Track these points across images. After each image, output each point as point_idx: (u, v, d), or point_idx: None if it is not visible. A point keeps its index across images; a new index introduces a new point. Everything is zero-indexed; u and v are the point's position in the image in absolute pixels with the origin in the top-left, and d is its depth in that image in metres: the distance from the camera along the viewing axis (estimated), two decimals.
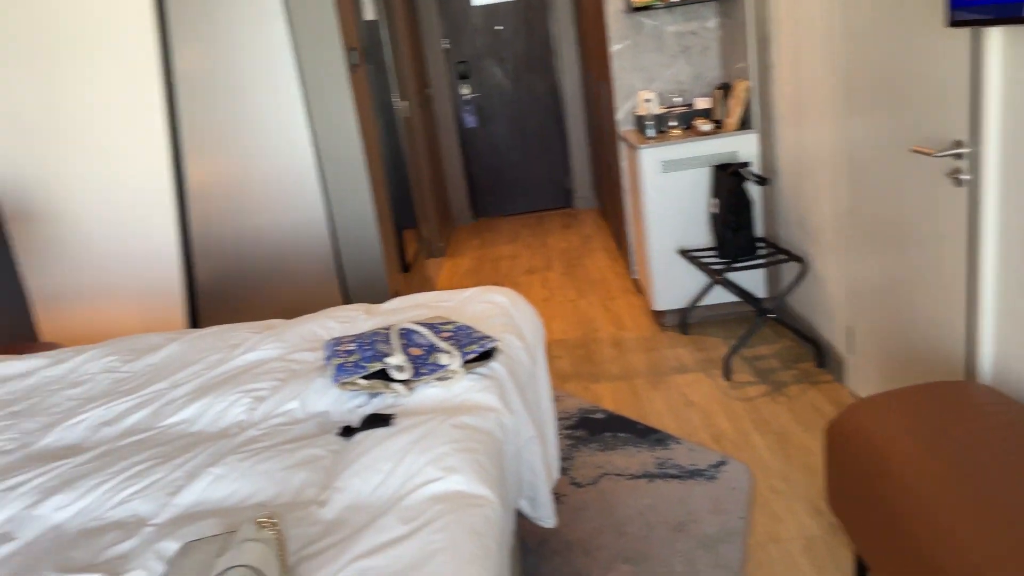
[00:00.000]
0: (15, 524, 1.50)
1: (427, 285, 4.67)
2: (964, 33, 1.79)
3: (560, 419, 2.94)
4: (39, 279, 3.39)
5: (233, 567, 1.12)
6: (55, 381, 2.20)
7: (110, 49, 3.16)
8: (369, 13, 4.25)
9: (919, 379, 2.31)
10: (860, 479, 1.75)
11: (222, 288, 3.51)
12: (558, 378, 3.32)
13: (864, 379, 2.71)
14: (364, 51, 3.86)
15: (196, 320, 3.56)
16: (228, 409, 1.84)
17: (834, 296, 2.89)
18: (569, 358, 3.52)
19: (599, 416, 2.93)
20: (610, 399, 3.07)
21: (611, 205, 4.98)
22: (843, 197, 2.67)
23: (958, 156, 1.89)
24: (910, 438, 1.67)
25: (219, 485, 1.51)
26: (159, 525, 1.42)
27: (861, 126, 2.46)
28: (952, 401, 1.79)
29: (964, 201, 1.90)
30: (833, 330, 2.95)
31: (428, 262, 5.37)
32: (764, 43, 3.25)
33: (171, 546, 1.33)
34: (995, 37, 1.72)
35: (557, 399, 3.11)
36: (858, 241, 2.60)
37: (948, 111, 1.91)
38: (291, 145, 3.34)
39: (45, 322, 3.45)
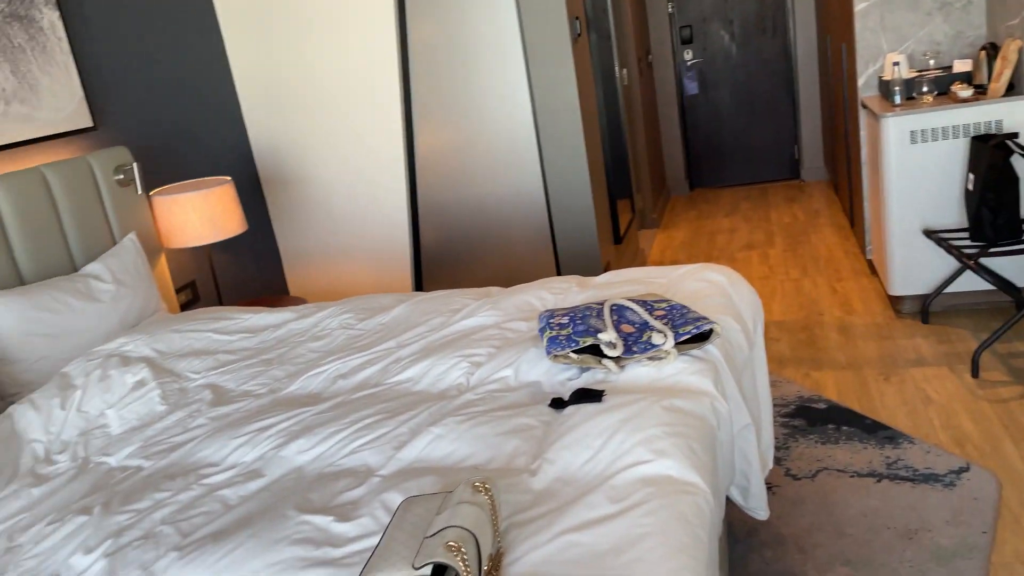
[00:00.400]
0: (264, 462, 1.68)
1: (639, 257, 4.61)
2: None
3: (776, 406, 2.79)
4: (287, 238, 3.76)
5: (450, 527, 1.18)
6: (300, 334, 2.43)
7: (354, 25, 3.39)
8: None
9: None
10: None
11: (444, 253, 3.70)
12: (775, 362, 3.15)
13: None
14: (588, 20, 3.83)
15: (420, 282, 3.78)
16: (448, 372, 1.93)
17: None
18: (788, 341, 3.33)
19: (820, 406, 2.75)
20: (833, 388, 2.86)
21: (845, 178, 4.61)
22: None
23: None
24: None
25: (438, 444, 1.59)
26: (385, 476, 1.53)
27: None
28: None
29: None
30: None
31: (641, 233, 5.30)
32: None
33: (395, 497, 1.42)
34: None
35: (773, 385, 2.95)
36: None
37: None
38: (512, 115, 3.41)
39: (292, 277, 3.82)
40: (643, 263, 4.61)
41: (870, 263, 4.00)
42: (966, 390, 2.69)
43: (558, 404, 1.66)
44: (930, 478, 2.26)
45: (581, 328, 1.79)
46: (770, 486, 2.34)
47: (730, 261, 4.53)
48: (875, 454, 2.42)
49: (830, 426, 2.61)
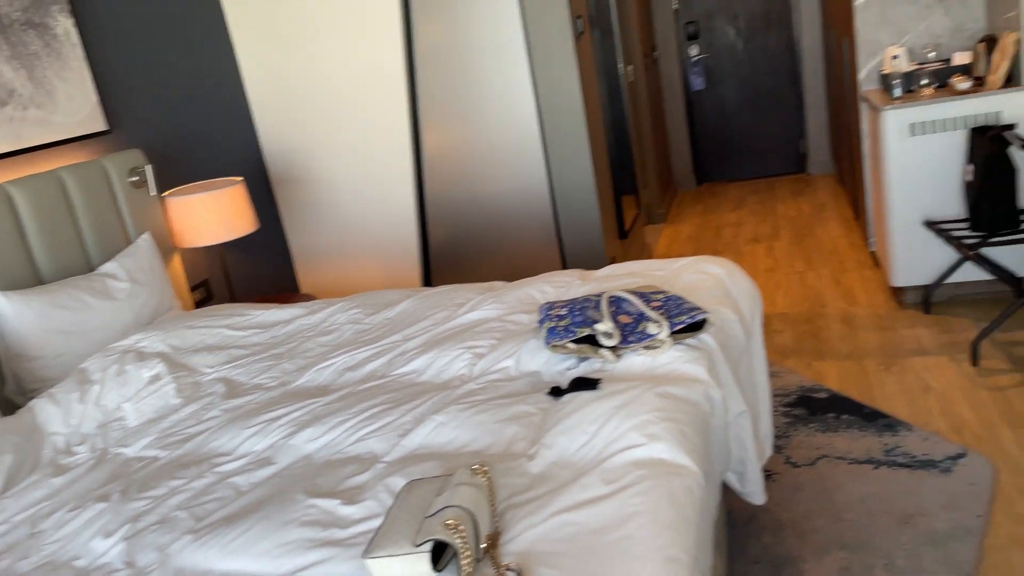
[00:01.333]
0: (274, 451, 1.74)
1: (645, 252, 4.65)
2: None
3: (777, 396, 2.83)
4: (298, 236, 3.83)
5: (448, 507, 1.24)
6: (310, 329, 2.49)
7: (360, 28, 3.46)
8: None
9: None
10: None
11: (452, 249, 3.76)
12: (778, 353, 3.20)
13: None
14: (591, 17, 3.88)
15: (429, 278, 3.84)
16: (451, 363, 1.99)
17: None
18: (792, 333, 3.37)
19: (821, 395, 2.79)
20: (835, 378, 2.90)
21: (849, 171, 4.63)
22: None
23: None
24: None
25: (441, 431, 1.65)
26: (389, 462, 1.59)
27: None
28: None
29: None
30: None
31: (647, 229, 5.34)
32: None
33: (399, 482, 1.48)
34: None
35: (776, 375, 3.00)
36: None
37: None
38: (517, 114, 3.46)
39: (302, 275, 3.90)
40: (649, 257, 4.65)
41: (873, 255, 4.03)
42: (965, 378, 2.73)
43: (556, 392, 1.72)
44: (927, 464, 2.30)
45: (579, 319, 1.85)
46: (771, 473, 2.39)
47: (736, 254, 4.57)
48: (874, 441, 2.46)
49: (830, 415, 2.66)
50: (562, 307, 1.94)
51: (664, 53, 6.17)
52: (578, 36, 3.45)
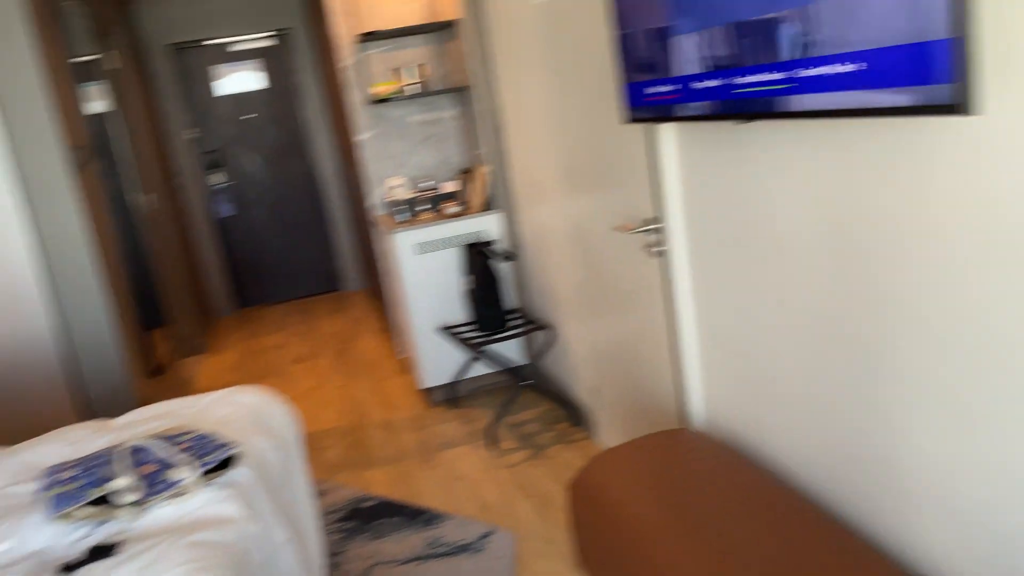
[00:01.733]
0: None
1: (185, 386, 4.40)
2: (640, 129, 2.08)
3: (329, 512, 2.87)
4: None
5: None
6: None
7: None
8: (97, 106, 4.04)
9: (649, 430, 2.56)
10: (595, 531, 1.89)
11: None
12: (328, 469, 3.26)
13: (611, 434, 2.94)
14: (94, 147, 3.65)
15: None
16: None
17: (580, 358, 3.12)
18: (340, 447, 3.47)
19: (370, 504, 2.91)
20: (382, 484, 3.06)
21: (378, 286, 5.03)
22: (576, 269, 2.93)
23: (651, 231, 2.16)
24: (632, 487, 1.85)
25: None
26: None
27: (578, 207, 2.72)
28: (669, 448, 2.00)
29: (659, 270, 2.17)
30: (583, 390, 3.18)
31: (186, 361, 5.07)
32: (499, 131, 3.51)
33: None
34: (664, 131, 2.01)
35: (327, 492, 3.04)
36: (590, 308, 2.85)
37: (637, 193, 2.19)
38: (7, 254, 3.06)
39: None
40: (191, 392, 4.40)
41: (404, 362, 4.40)
42: (486, 462, 3.10)
43: (69, 569, 1.51)
44: (463, 548, 2.54)
45: (92, 479, 1.67)
46: None
47: (282, 376, 4.58)
48: (417, 538, 2.63)
49: (380, 521, 2.78)
50: (72, 467, 1.73)
51: (187, 181, 6.05)
52: (81, 167, 3.22)
